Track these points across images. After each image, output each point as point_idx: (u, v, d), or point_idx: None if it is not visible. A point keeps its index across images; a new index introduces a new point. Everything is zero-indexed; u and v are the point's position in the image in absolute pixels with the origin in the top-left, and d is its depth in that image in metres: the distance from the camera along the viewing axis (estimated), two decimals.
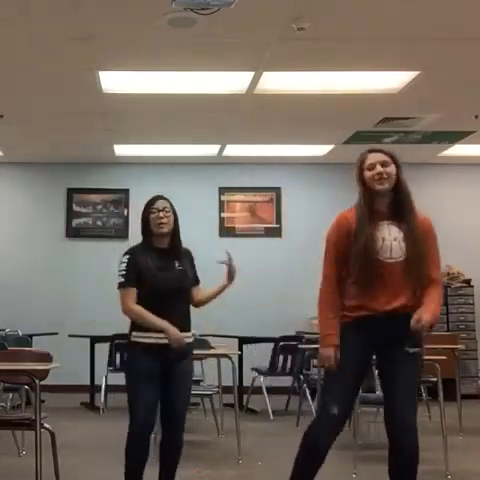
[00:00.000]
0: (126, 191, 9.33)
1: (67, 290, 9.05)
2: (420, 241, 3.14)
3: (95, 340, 7.53)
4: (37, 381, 3.63)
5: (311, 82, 6.21)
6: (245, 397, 7.26)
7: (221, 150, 8.83)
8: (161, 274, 3.60)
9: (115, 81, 6.18)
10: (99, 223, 9.42)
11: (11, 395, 6.26)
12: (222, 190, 9.50)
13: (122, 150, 8.81)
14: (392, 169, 3.18)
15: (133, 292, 3.57)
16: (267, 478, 4.51)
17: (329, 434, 3.13)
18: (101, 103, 6.76)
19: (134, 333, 3.60)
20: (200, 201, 9.38)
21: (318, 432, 3.16)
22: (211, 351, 5.96)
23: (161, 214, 3.68)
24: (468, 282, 9.10)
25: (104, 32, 5.09)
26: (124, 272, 3.60)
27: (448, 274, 9.09)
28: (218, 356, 5.90)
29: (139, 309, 3.55)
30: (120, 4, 4.63)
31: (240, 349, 7.11)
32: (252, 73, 5.96)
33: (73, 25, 4.92)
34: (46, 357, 4.22)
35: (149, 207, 3.74)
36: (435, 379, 5.16)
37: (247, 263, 9.85)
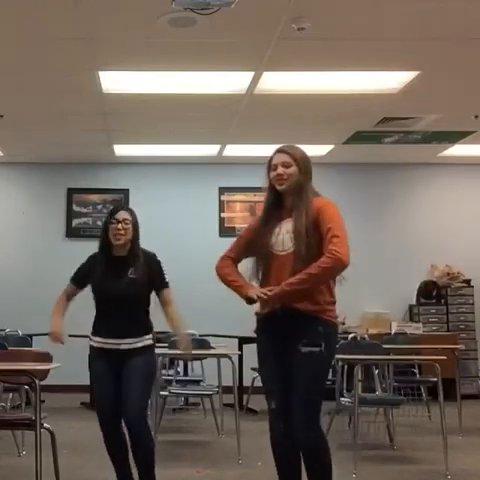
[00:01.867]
0: (126, 191, 9.33)
1: None
2: (306, 228, 3.17)
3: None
4: (37, 381, 3.63)
5: (311, 82, 6.21)
6: (245, 397, 7.26)
7: (221, 150, 8.83)
8: (108, 282, 3.85)
9: (115, 81, 6.18)
10: (99, 223, 9.39)
11: (11, 395, 6.26)
12: (222, 190, 9.50)
13: (122, 150, 8.81)
14: (292, 171, 3.28)
15: (71, 287, 4.10)
16: (267, 478, 4.51)
17: (280, 426, 3.23)
18: (101, 103, 6.76)
19: (90, 336, 3.96)
20: (200, 201, 9.38)
21: (272, 430, 3.27)
22: (211, 351, 5.97)
23: (119, 226, 3.86)
24: (468, 282, 9.10)
25: (104, 32, 5.09)
26: (76, 269, 4.13)
27: (448, 274, 9.10)
28: (218, 356, 5.90)
29: (57, 298, 4.20)
30: (120, 4, 4.63)
31: (240, 349, 7.11)
32: (252, 73, 5.96)
33: (73, 25, 4.92)
34: (46, 357, 4.22)
35: (110, 217, 3.92)
36: (435, 379, 5.15)
37: (247, 263, 9.89)
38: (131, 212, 3.98)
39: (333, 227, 3.14)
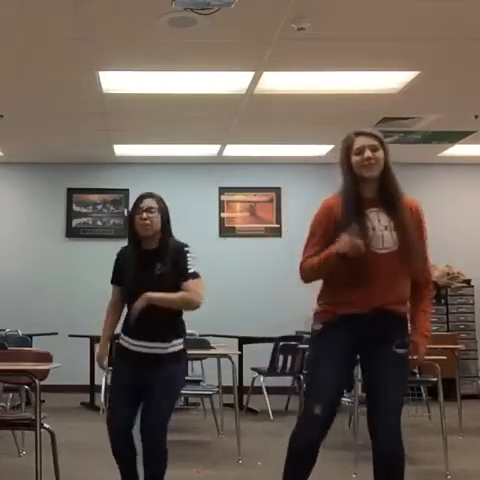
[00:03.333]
0: (126, 191, 9.32)
1: (67, 290, 9.04)
2: (412, 229, 2.98)
3: (95, 340, 7.52)
4: (37, 381, 3.63)
5: (311, 82, 6.21)
6: (245, 397, 7.26)
7: (221, 150, 8.83)
8: (135, 279, 3.45)
9: (115, 81, 6.18)
10: (99, 223, 9.42)
11: (11, 395, 6.26)
12: (222, 190, 9.50)
13: (122, 150, 8.81)
14: (381, 154, 2.98)
15: (114, 289, 3.64)
16: (267, 478, 4.51)
17: (314, 435, 2.96)
18: (101, 103, 6.76)
19: (121, 333, 3.57)
20: (200, 201, 9.38)
21: (303, 433, 2.99)
22: (211, 351, 5.97)
23: (144, 215, 3.45)
24: (468, 282, 9.09)
25: (104, 32, 5.09)
26: (113, 270, 3.65)
27: (448, 274, 9.09)
28: (218, 356, 5.90)
29: (107, 311, 3.66)
30: (120, 4, 4.63)
31: (240, 349, 7.11)
32: (252, 73, 5.96)
33: (73, 25, 4.92)
34: (46, 357, 4.21)
35: (135, 206, 3.51)
36: (435, 379, 5.15)
37: (247, 263, 9.91)
38: (158, 200, 3.54)
39: (426, 245, 3.05)
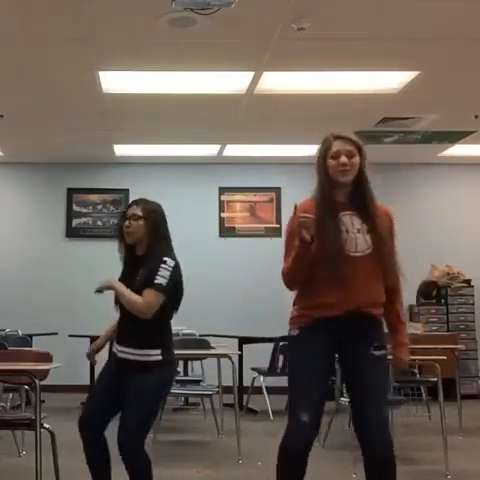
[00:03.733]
0: (126, 191, 9.33)
1: (67, 290, 9.04)
2: (385, 233, 2.99)
3: (95, 340, 7.51)
4: (37, 381, 3.63)
5: (311, 82, 6.21)
6: (245, 397, 7.26)
7: (221, 150, 8.83)
8: (125, 284, 3.40)
9: (115, 81, 6.18)
10: (99, 223, 9.42)
11: (11, 395, 6.26)
12: (222, 190, 9.50)
13: (122, 150, 8.81)
14: (356, 160, 2.96)
15: None
16: (267, 478, 4.51)
17: (303, 442, 2.93)
18: (101, 103, 6.76)
19: None
20: (200, 201, 9.39)
21: (292, 441, 2.95)
22: (211, 351, 5.97)
23: (127, 223, 3.44)
24: (468, 282, 9.10)
25: (104, 32, 5.09)
26: None
27: (448, 274, 9.09)
28: (218, 356, 5.90)
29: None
30: (120, 4, 4.63)
31: (240, 349, 7.11)
32: (252, 73, 5.96)
33: (73, 25, 4.92)
34: (46, 357, 4.21)
35: (124, 214, 3.53)
36: (435, 379, 5.15)
37: (247, 263, 9.91)
38: (143, 207, 3.52)
39: (396, 252, 3.06)
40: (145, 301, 3.32)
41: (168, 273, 3.36)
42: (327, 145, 2.99)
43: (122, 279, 3.45)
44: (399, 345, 3.05)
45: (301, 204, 3.02)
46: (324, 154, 2.98)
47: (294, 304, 3.09)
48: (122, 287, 3.37)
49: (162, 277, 3.34)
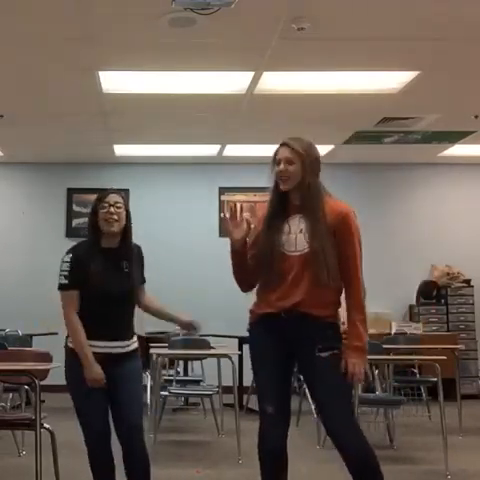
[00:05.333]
0: (126, 191, 9.32)
1: None
2: (324, 232, 2.96)
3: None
4: (37, 381, 3.63)
5: (311, 82, 6.21)
6: (245, 397, 7.26)
7: (221, 150, 8.83)
8: (108, 277, 3.28)
9: (115, 81, 6.18)
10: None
11: (11, 395, 6.26)
12: (222, 190, 9.50)
13: (122, 150, 8.81)
14: (295, 168, 3.02)
15: (75, 296, 3.30)
16: None
17: (274, 434, 3.00)
18: (101, 103, 6.76)
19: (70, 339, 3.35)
20: (200, 201, 9.38)
21: (264, 436, 3.02)
22: (211, 351, 5.97)
23: (112, 209, 3.28)
24: (468, 282, 9.10)
25: (104, 32, 5.09)
26: (66, 273, 3.31)
27: (448, 274, 9.10)
28: (218, 356, 5.90)
29: (75, 325, 3.29)
30: (120, 4, 4.63)
31: (240, 349, 7.10)
32: (252, 73, 5.96)
33: (73, 25, 4.92)
34: (46, 357, 4.21)
35: (99, 202, 3.32)
36: (435, 379, 5.15)
37: None
38: (123, 197, 3.39)
39: (355, 262, 3.03)
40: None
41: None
42: (275, 151, 3.13)
43: (100, 273, 3.26)
44: (347, 347, 3.00)
45: (261, 205, 3.13)
46: (273, 160, 3.11)
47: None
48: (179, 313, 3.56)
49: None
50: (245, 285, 3.19)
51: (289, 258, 2.99)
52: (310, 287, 2.96)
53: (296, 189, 3.06)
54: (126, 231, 3.36)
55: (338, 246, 2.99)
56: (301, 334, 2.99)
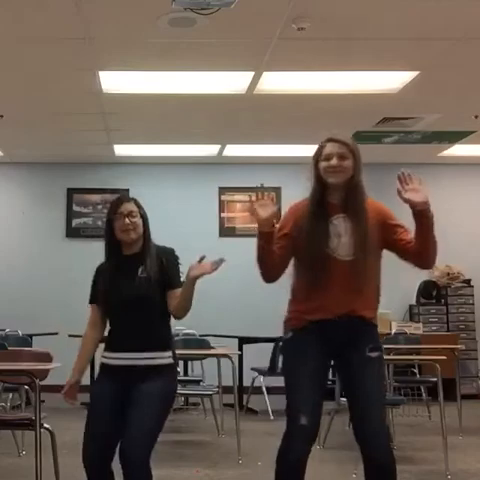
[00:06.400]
0: (126, 191, 9.32)
1: (67, 290, 9.04)
2: (368, 236, 2.94)
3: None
4: (37, 381, 3.63)
5: (311, 82, 6.21)
6: (245, 397, 7.26)
7: (221, 150, 8.83)
8: (116, 284, 3.18)
9: (115, 81, 6.18)
10: (99, 223, 9.40)
11: (11, 395, 6.26)
12: (222, 190, 9.50)
13: (122, 150, 8.81)
14: (349, 163, 3.01)
15: (94, 310, 3.32)
16: (267, 478, 4.51)
17: (302, 445, 2.90)
18: (101, 103, 6.76)
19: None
20: (200, 201, 9.38)
21: (291, 445, 2.92)
22: (211, 351, 5.98)
23: (127, 220, 3.19)
24: (468, 282, 9.10)
25: (104, 32, 5.09)
26: (91, 289, 3.33)
27: (448, 274, 9.09)
28: (218, 356, 5.90)
29: (83, 336, 3.39)
30: (120, 4, 4.63)
31: (240, 349, 7.11)
32: (252, 73, 5.96)
33: (73, 25, 4.92)
34: (46, 357, 4.22)
35: (113, 212, 3.23)
36: (435, 379, 5.15)
37: (247, 263, 9.88)
38: (136, 202, 3.29)
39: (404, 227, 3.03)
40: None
41: (181, 268, 3.27)
42: (320, 147, 3.05)
43: (115, 280, 3.19)
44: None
45: (295, 204, 3.09)
46: (317, 156, 3.04)
47: (288, 307, 3.12)
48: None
49: (182, 273, 3.24)
50: (268, 275, 3.08)
51: (339, 263, 2.94)
52: (363, 290, 2.95)
53: (341, 187, 3.01)
54: (145, 237, 3.25)
55: (389, 227, 3.00)
56: (353, 336, 2.96)
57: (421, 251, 2.97)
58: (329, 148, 3.01)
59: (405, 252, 3.00)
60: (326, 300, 2.94)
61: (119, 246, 3.26)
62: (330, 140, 3.03)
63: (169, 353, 3.17)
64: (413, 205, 3.00)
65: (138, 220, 3.23)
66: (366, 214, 3.00)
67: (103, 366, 3.21)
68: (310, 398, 2.92)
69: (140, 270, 3.18)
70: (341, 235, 2.97)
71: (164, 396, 3.10)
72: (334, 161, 2.97)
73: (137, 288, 3.14)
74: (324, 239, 2.94)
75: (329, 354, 3.02)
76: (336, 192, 3.02)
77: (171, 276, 3.20)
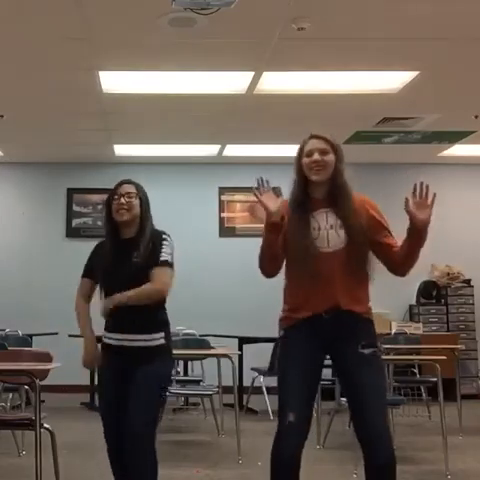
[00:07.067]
0: None
1: (67, 290, 9.00)
2: (359, 227, 2.96)
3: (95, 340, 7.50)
4: (37, 381, 3.63)
5: (311, 82, 6.21)
6: (245, 397, 7.26)
7: (221, 150, 8.83)
8: (112, 269, 3.29)
9: (115, 81, 6.18)
10: (99, 223, 9.39)
11: (11, 395, 6.26)
12: (222, 190, 9.50)
13: (122, 150, 8.81)
14: (330, 158, 3.02)
15: (86, 283, 3.49)
16: (267, 478, 4.51)
17: (291, 443, 2.92)
18: (101, 103, 6.76)
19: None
20: (200, 201, 9.38)
21: (280, 444, 2.95)
22: (211, 351, 5.97)
23: (122, 200, 3.27)
24: (468, 282, 9.10)
25: (104, 32, 5.09)
26: (85, 263, 3.56)
27: (448, 274, 9.10)
28: (218, 356, 5.90)
29: (77, 309, 3.51)
30: (120, 4, 4.63)
31: (240, 349, 7.11)
32: (252, 73, 5.96)
33: (73, 25, 4.92)
34: (46, 357, 4.21)
35: (113, 192, 3.34)
36: (435, 379, 5.15)
37: (247, 263, 9.88)
38: (137, 186, 3.37)
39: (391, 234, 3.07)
40: (159, 282, 3.26)
41: (170, 248, 3.34)
42: (302, 144, 3.09)
43: (112, 265, 3.29)
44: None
45: (285, 200, 3.06)
46: (300, 153, 3.07)
47: (282, 306, 3.12)
48: (126, 295, 3.22)
49: (166, 253, 3.31)
50: (268, 270, 3.08)
51: (322, 255, 2.92)
52: (346, 284, 2.93)
53: (324, 182, 3.02)
54: (142, 221, 3.32)
55: (375, 224, 3.05)
56: (344, 331, 2.93)
57: (404, 262, 3.01)
58: (310, 145, 3.06)
59: (386, 255, 3.02)
60: (312, 296, 2.94)
61: (117, 229, 3.35)
62: (312, 137, 3.10)
63: (162, 334, 3.28)
64: (414, 220, 3.06)
65: (134, 201, 3.31)
66: (352, 206, 3.01)
67: (104, 344, 3.39)
68: (298, 395, 2.92)
69: (134, 255, 3.26)
70: (321, 228, 2.97)
71: (159, 377, 3.26)
72: (316, 156, 3.01)
73: (130, 273, 3.24)
74: (305, 233, 2.94)
75: (323, 348, 2.99)
76: (319, 187, 3.03)
77: (154, 259, 3.27)
